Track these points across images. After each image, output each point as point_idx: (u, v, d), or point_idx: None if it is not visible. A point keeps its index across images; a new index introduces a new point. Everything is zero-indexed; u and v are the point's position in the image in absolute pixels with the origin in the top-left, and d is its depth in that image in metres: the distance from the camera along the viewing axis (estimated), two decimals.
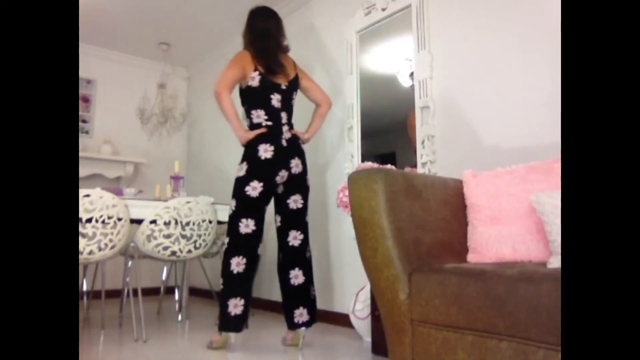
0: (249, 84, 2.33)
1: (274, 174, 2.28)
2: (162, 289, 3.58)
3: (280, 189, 2.39)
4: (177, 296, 3.52)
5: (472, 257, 1.57)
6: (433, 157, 2.37)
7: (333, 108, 3.05)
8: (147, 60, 4.68)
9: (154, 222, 2.61)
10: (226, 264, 2.23)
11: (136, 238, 2.61)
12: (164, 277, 3.61)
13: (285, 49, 2.49)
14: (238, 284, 2.22)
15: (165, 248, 2.64)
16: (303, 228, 2.42)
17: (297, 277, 2.35)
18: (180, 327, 2.86)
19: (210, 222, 2.80)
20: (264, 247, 2.53)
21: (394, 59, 2.69)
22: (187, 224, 2.68)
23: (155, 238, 2.61)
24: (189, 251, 2.71)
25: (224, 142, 4.18)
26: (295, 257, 2.38)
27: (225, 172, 4.08)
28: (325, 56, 3.19)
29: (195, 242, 2.74)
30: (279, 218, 2.43)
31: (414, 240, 1.42)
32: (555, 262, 1.23)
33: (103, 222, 2.44)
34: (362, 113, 2.85)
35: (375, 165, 2.40)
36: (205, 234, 2.78)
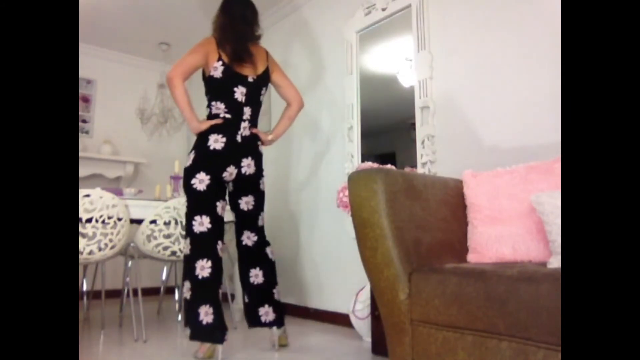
0: (211, 74, 2.17)
1: (221, 168, 2.12)
2: (162, 289, 3.59)
3: (230, 187, 2.28)
4: (177, 296, 3.52)
5: (472, 257, 1.57)
6: (433, 157, 2.37)
7: (332, 107, 3.05)
8: (147, 60, 4.68)
9: (154, 222, 2.61)
10: (191, 268, 2.05)
11: (136, 238, 2.61)
12: (164, 277, 3.61)
13: (257, 38, 2.36)
14: (206, 290, 2.04)
15: (165, 248, 2.64)
16: (256, 230, 2.33)
17: (257, 276, 2.28)
18: (180, 327, 2.86)
19: None
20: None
21: (394, 59, 2.69)
22: None
23: (155, 238, 2.61)
24: None
25: None
26: (250, 257, 2.31)
27: None
28: (325, 56, 3.19)
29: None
30: (233, 215, 2.36)
31: (414, 240, 1.42)
32: (555, 262, 1.23)
33: (103, 222, 2.44)
34: (362, 113, 2.85)
35: (375, 165, 2.40)
36: None
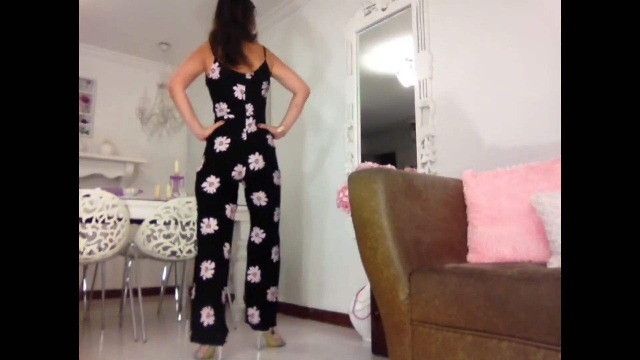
0: (210, 76, 2.23)
1: (229, 168, 2.16)
2: (162, 289, 3.58)
3: (244, 185, 2.31)
4: (177, 296, 3.52)
5: (472, 257, 1.57)
6: (433, 157, 2.37)
7: (332, 107, 3.05)
8: (147, 60, 4.68)
9: (154, 222, 2.61)
10: (197, 269, 2.11)
11: (136, 238, 2.61)
12: (164, 277, 3.61)
13: (253, 38, 2.37)
14: (209, 292, 2.08)
15: (165, 248, 2.64)
16: (267, 227, 2.32)
17: (254, 275, 2.29)
18: (180, 327, 2.86)
19: None
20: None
21: (394, 59, 2.69)
22: (187, 224, 2.68)
23: (155, 238, 2.61)
24: (189, 251, 2.71)
25: None
26: (253, 255, 2.32)
27: None
28: (325, 56, 3.19)
29: (195, 242, 2.73)
30: (249, 211, 2.38)
31: (414, 240, 1.42)
32: (555, 262, 1.23)
33: (103, 222, 2.44)
34: (362, 113, 2.85)
35: (375, 165, 2.40)
36: None
